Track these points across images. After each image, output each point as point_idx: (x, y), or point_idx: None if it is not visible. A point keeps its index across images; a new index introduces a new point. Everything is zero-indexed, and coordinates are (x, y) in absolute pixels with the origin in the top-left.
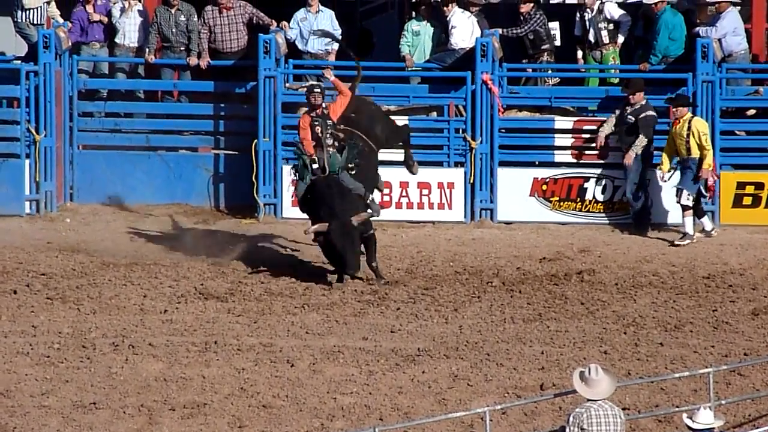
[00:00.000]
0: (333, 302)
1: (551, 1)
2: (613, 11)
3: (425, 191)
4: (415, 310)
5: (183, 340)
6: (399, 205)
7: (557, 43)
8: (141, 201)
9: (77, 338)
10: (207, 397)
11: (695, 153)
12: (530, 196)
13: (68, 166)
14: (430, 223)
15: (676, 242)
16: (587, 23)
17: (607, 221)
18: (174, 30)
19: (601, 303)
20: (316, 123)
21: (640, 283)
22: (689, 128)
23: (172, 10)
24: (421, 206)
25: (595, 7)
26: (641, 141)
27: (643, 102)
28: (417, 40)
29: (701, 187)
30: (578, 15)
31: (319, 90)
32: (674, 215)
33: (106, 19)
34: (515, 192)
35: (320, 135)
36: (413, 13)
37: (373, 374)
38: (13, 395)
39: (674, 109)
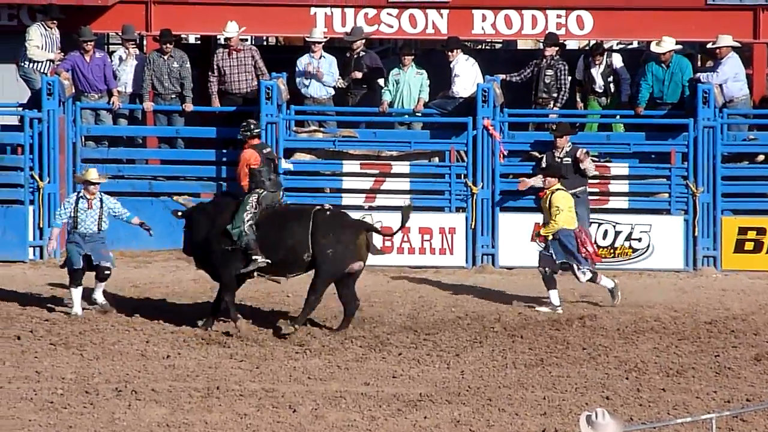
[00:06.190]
0: (334, 347)
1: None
2: (617, 63)
3: (427, 236)
4: (416, 356)
5: (185, 386)
6: (401, 250)
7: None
8: (145, 247)
9: (80, 384)
10: None
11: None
12: (531, 241)
13: None
14: (431, 268)
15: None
16: (595, 74)
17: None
18: (167, 77)
19: (603, 348)
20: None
21: (642, 328)
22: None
23: (165, 57)
24: (422, 251)
25: (604, 60)
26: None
27: (569, 145)
28: (398, 88)
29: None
30: (583, 62)
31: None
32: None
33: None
34: (517, 237)
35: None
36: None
37: (375, 420)
38: None
39: None
